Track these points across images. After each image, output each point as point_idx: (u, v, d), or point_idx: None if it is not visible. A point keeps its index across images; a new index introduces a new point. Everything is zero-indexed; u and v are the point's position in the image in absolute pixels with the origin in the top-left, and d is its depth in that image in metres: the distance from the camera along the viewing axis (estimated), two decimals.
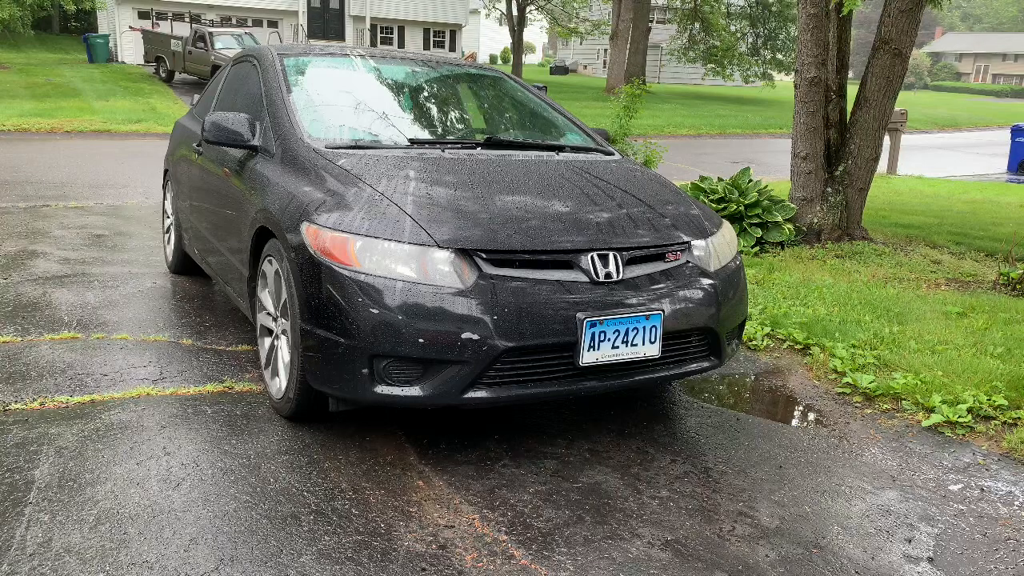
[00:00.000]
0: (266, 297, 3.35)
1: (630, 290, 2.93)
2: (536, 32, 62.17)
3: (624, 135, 8.67)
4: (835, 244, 6.85)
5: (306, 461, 2.91)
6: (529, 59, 60.44)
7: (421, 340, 2.68)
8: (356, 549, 2.39)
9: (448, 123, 4.23)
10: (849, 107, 7.10)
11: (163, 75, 23.42)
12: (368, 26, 30.00)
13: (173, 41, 22.66)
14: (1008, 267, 6.00)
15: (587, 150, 4.04)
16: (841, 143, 7.05)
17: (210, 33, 21.08)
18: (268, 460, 2.89)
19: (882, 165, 10.39)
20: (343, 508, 2.61)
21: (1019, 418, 3.51)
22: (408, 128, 3.88)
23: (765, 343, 4.49)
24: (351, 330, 2.73)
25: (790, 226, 6.74)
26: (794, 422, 3.64)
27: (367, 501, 2.66)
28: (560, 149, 3.94)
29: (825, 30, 6.75)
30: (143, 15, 29.59)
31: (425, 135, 3.94)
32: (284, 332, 3.14)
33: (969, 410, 3.57)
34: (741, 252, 4.84)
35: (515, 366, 2.78)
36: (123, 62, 27.35)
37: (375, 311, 2.70)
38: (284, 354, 3.15)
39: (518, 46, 34.59)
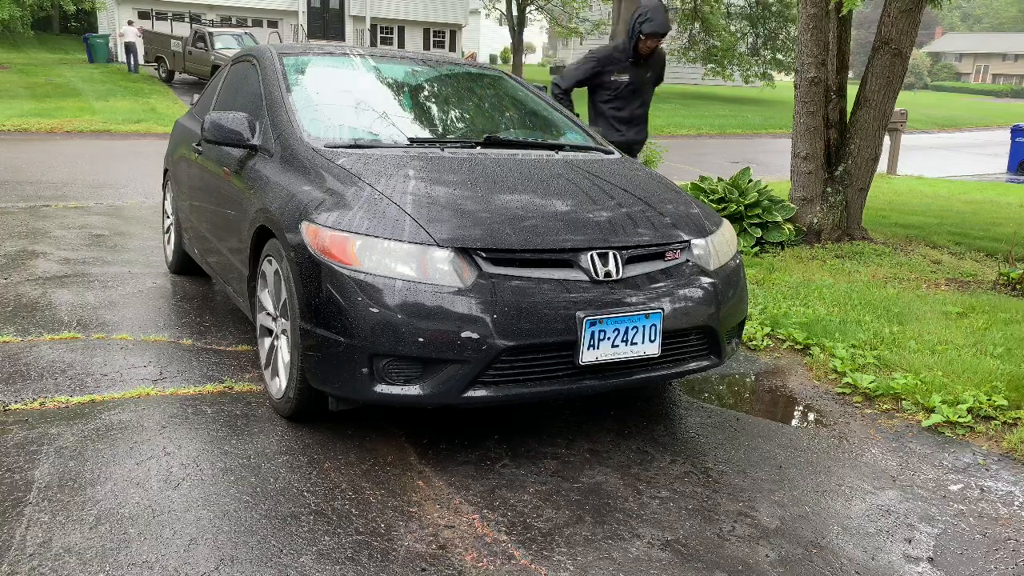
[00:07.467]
0: (266, 297, 3.34)
1: (630, 289, 2.93)
2: (536, 32, 62.22)
3: None
4: (835, 244, 6.85)
5: (306, 461, 2.90)
6: (529, 59, 60.36)
7: (421, 339, 2.68)
8: (356, 549, 2.39)
9: (448, 122, 4.23)
10: (849, 107, 7.10)
11: (163, 75, 23.45)
12: (368, 26, 30.01)
13: (173, 41, 22.70)
14: (1008, 267, 6.00)
15: (587, 149, 4.03)
16: (841, 143, 7.04)
17: (210, 33, 21.11)
18: (268, 460, 2.89)
19: (882, 165, 10.40)
20: (343, 508, 2.61)
21: (1019, 418, 3.51)
22: (408, 127, 3.87)
23: (765, 343, 4.49)
24: (351, 329, 2.73)
25: (790, 226, 6.73)
26: (794, 422, 3.64)
27: (367, 501, 2.66)
28: (560, 148, 3.93)
29: (825, 30, 6.74)
30: (143, 15, 29.62)
31: (425, 134, 3.93)
32: (284, 332, 3.13)
33: (969, 410, 3.57)
34: (741, 252, 4.83)
35: (515, 365, 2.78)
36: (123, 62, 27.36)
37: (375, 310, 2.70)
38: (284, 354, 3.14)
39: (518, 46, 34.56)
